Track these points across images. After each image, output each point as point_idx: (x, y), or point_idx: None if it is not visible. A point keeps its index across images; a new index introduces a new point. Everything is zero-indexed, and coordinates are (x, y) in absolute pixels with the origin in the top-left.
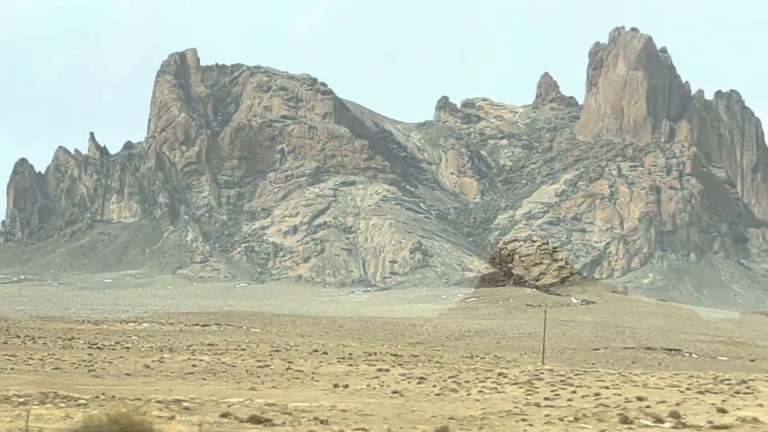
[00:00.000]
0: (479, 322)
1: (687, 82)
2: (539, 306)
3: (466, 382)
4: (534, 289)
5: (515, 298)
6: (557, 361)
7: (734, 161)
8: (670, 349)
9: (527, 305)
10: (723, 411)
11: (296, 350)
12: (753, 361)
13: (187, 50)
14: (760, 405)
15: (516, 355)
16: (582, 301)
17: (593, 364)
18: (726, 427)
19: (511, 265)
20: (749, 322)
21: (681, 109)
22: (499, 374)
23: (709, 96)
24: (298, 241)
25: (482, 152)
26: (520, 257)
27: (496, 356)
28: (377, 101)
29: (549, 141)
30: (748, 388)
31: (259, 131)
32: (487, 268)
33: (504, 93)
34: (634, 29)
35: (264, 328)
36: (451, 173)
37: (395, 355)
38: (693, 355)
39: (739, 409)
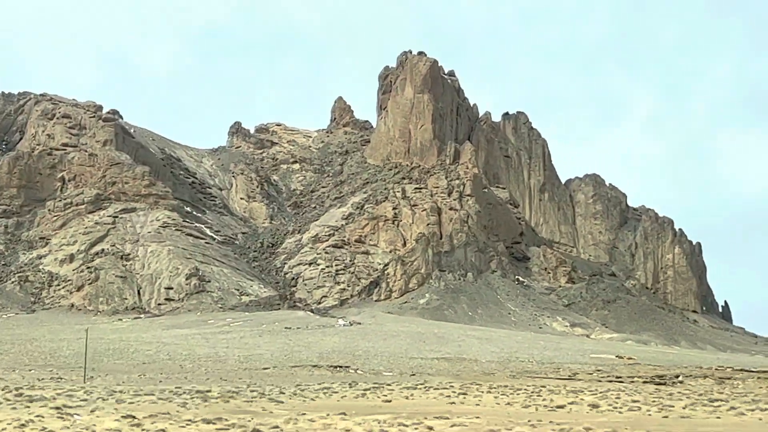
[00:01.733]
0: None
1: (475, 104)
2: (298, 328)
3: None
4: (309, 312)
5: (280, 321)
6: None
7: (522, 181)
8: (336, 366)
9: (286, 328)
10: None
11: None
12: (413, 375)
13: None
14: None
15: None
16: (348, 322)
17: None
18: None
19: (294, 288)
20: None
21: (468, 131)
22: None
23: (496, 118)
24: (73, 270)
25: (274, 177)
26: (303, 281)
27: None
28: (170, 127)
29: (340, 165)
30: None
31: (39, 159)
32: (265, 292)
33: (301, 118)
34: (421, 53)
35: None
36: (241, 198)
37: None
38: (358, 371)
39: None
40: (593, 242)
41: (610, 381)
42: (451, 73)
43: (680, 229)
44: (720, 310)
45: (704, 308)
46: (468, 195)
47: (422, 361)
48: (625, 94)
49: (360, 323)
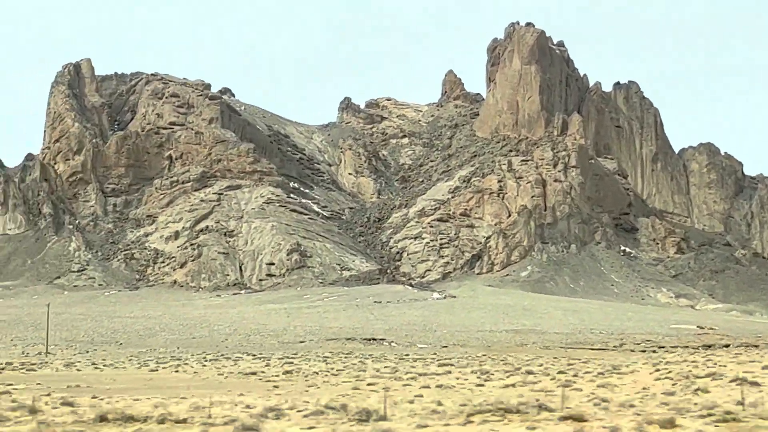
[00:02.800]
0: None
1: (585, 75)
2: (389, 302)
3: None
4: (408, 286)
5: (375, 296)
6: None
7: (633, 152)
8: (370, 339)
9: (375, 302)
10: None
11: None
12: (445, 347)
13: (81, 60)
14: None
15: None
16: (443, 296)
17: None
18: None
19: (399, 262)
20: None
21: (578, 101)
22: None
23: (607, 88)
24: (178, 247)
25: (383, 152)
26: (407, 255)
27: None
28: (282, 105)
29: (449, 138)
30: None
31: (147, 139)
32: (367, 267)
33: (413, 93)
34: (529, 24)
35: None
36: (349, 173)
37: None
38: (393, 344)
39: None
40: (708, 212)
41: (644, 351)
42: (560, 44)
43: None
44: None
45: None
46: (573, 166)
47: (488, 334)
48: (744, 61)
49: (455, 296)
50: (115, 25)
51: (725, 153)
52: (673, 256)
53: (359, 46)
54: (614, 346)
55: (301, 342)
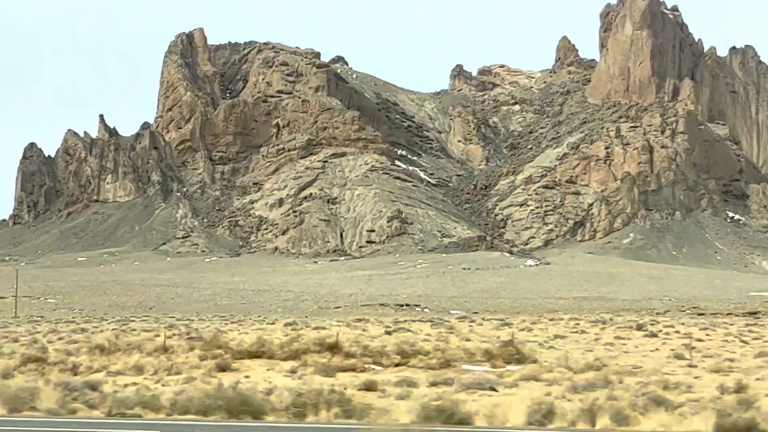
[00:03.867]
0: (361, 287)
1: (700, 39)
2: (477, 269)
3: None
4: (507, 253)
5: (468, 263)
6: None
7: (749, 117)
8: (403, 305)
9: (464, 269)
10: None
11: None
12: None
13: (194, 30)
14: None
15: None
16: (536, 263)
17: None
18: None
19: (503, 229)
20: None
21: (692, 67)
22: None
23: (723, 53)
24: (281, 214)
25: (494, 119)
26: (512, 222)
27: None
28: (396, 74)
29: (560, 105)
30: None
31: (255, 107)
32: (468, 233)
33: (526, 58)
34: None
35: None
36: (458, 141)
37: None
38: (426, 309)
39: None
40: None
41: (690, 316)
42: (674, 9)
43: None
44: None
45: None
46: (681, 132)
47: (551, 301)
48: None
49: (548, 263)
50: None
51: None
52: None
53: (475, 11)
54: (657, 312)
55: (337, 307)
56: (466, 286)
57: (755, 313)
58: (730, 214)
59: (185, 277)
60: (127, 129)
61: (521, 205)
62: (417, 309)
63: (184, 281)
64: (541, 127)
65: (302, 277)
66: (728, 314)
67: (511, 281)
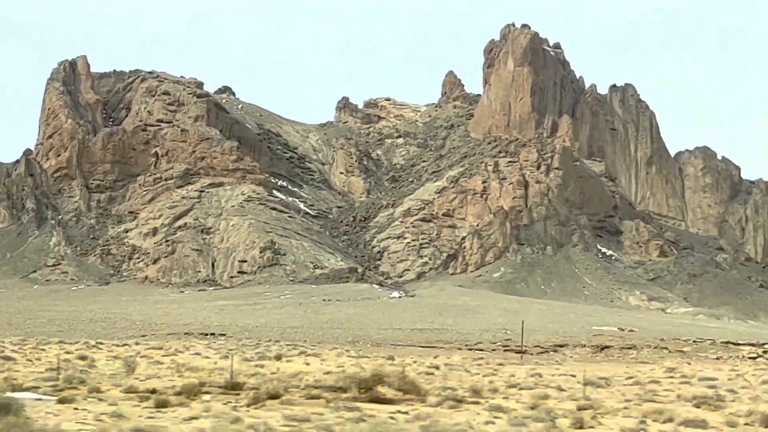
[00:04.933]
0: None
1: (581, 77)
2: (338, 300)
3: None
4: (376, 285)
5: (329, 294)
6: None
7: (628, 155)
8: (207, 334)
9: (323, 300)
10: None
11: None
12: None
13: (78, 57)
14: None
15: None
16: (401, 296)
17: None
18: None
19: (379, 261)
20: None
21: (573, 103)
22: None
23: (604, 90)
24: (155, 243)
25: (377, 152)
26: (388, 254)
27: None
28: (284, 105)
29: (443, 139)
30: None
31: (134, 136)
32: (341, 265)
33: (413, 93)
34: (524, 25)
35: None
36: (341, 173)
37: None
38: (227, 337)
39: None
40: (702, 216)
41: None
42: (557, 46)
43: None
44: None
45: None
46: (555, 168)
47: (391, 332)
48: (743, 64)
49: (413, 296)
50: (116, 23)
51: (722, 157)
52: (655, 259)
53: (363, 46)
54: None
55: (143, 335)
56: (314, 317)
57: (558, 348)
58: (603, 250)
59: (42, 305)
60: (10, 156)
61: (398, 238)
62: (222, 338)
63: (33, 308)
64: (423, 161)
65: (156, 306)
66: (508, 350)
67: (364, 313)
